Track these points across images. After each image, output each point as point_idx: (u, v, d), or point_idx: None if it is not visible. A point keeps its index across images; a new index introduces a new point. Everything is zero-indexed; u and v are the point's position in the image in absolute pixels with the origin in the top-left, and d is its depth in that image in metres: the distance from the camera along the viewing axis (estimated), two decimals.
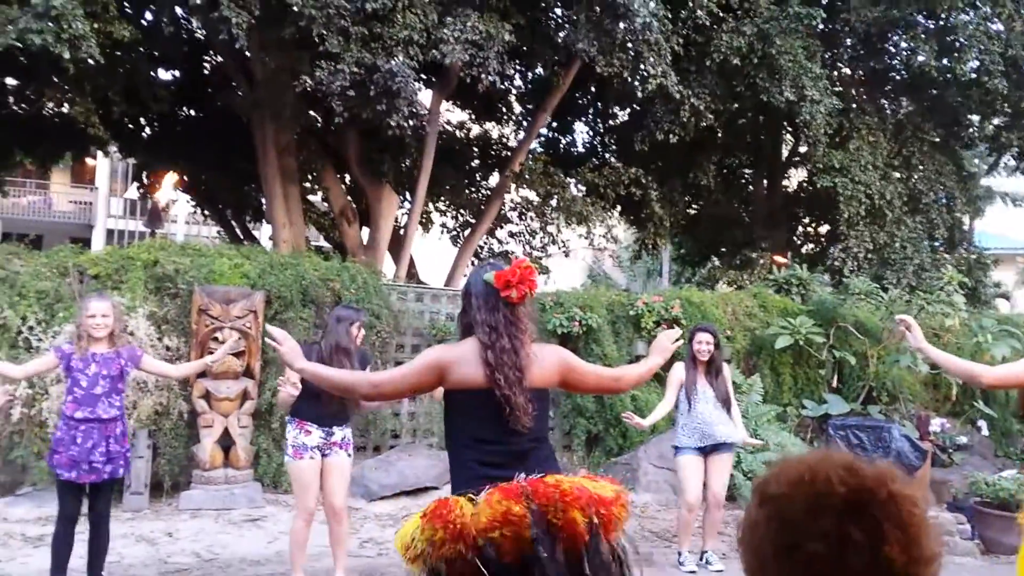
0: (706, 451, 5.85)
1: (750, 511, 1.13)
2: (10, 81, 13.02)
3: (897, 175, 14.44)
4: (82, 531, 4.67)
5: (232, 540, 6.33)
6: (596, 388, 3.20)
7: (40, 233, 25.89)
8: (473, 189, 16.52)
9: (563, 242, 15.97)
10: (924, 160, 14.72)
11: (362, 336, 5.17)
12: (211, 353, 7.16)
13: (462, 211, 16.65)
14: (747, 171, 17.65)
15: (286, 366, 3.04)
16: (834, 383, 9.95)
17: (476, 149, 16.35)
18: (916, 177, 14.68)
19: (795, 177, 17.66)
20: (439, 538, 2.46)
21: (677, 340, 3.36)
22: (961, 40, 12.73)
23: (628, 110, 15.05)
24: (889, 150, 14.25)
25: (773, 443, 8.52)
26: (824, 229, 17.02)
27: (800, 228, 17.57)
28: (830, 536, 1.01)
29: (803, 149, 15.85)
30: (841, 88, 13.86)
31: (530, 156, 14.03)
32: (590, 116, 16.26)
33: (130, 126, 14.00)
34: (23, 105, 13.45)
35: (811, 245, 17.49)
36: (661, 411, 5.99)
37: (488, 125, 16.50)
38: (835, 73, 14.62)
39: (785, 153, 16.75)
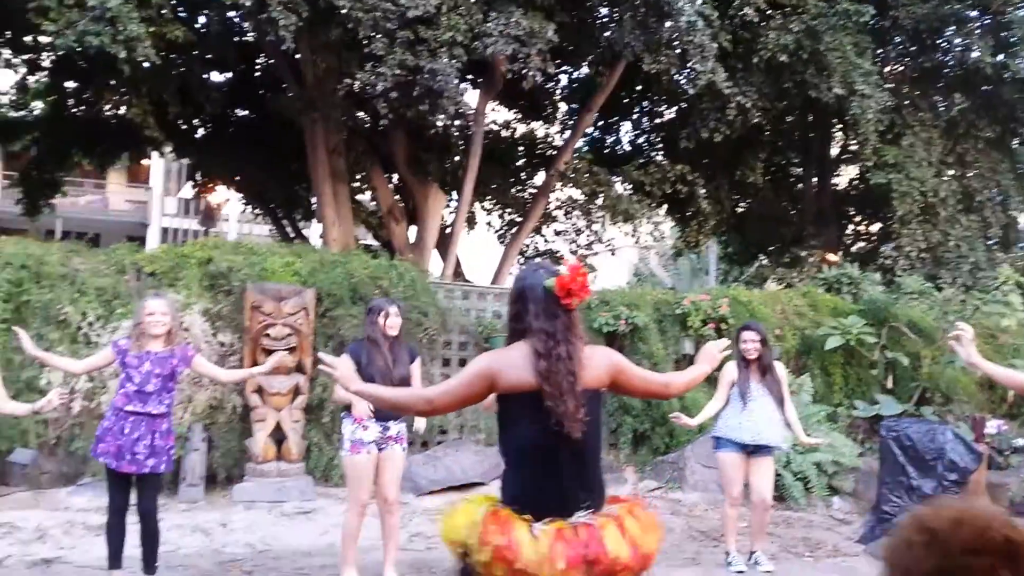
0: (748, 450, 5.79)
1: (906, 535, 1.27)
2: (69, 84, 13.41)
3: (951, 172, 14.16)
4: (135, 521, 4.80)
5: (284, 532, 6.45)
6: (644, 392, 3.14)
7: (97, 232, 26.50)
8: (519, 188, 16.58)
9: (609, 240, 15.95)
10: (979, 157, 14.42)
11: (398, 325, 5.16)
12: (264, 350, 7.35)
13: (508, 210, 16.71)
14: (796, 168, 17.44)
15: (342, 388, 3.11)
16: (886, 384, 9.80)
17: (522, 148, 16.41)
18: (970, 175, 14.38)
19: (846, 175, 17.40)
20: (499, 573, 2.60)
21: (725, 349, 3.36)
22: (1017, 36, 12.44)
23: (675, 108, 14.98)
24: (943, 147, 13.98)
25: (824, 444, 8.42)
26: (875, 227, 16.75)
27: (851, 226, 17.31)
28: (983, 573, 1.14)
29: (854, 146, 15.61)
30: (892, 85, 13.62)
31: (576, 155, 14.03)
32: (636, 114, 16.21)
33: (184, 127, 14.31)
34: (81, 108, 13.84)
35: (862, 243, 17.22)
36: (710, 411, 5.95)
37: (534, 124, 16.54)
38: (886, 70, 14.38)
39: (835, 150, 16.51)
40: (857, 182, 16.72)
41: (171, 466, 5.03)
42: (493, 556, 2.57)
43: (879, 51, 13.80)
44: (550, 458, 2.73)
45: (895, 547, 1.28)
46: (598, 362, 2.87)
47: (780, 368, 6.06)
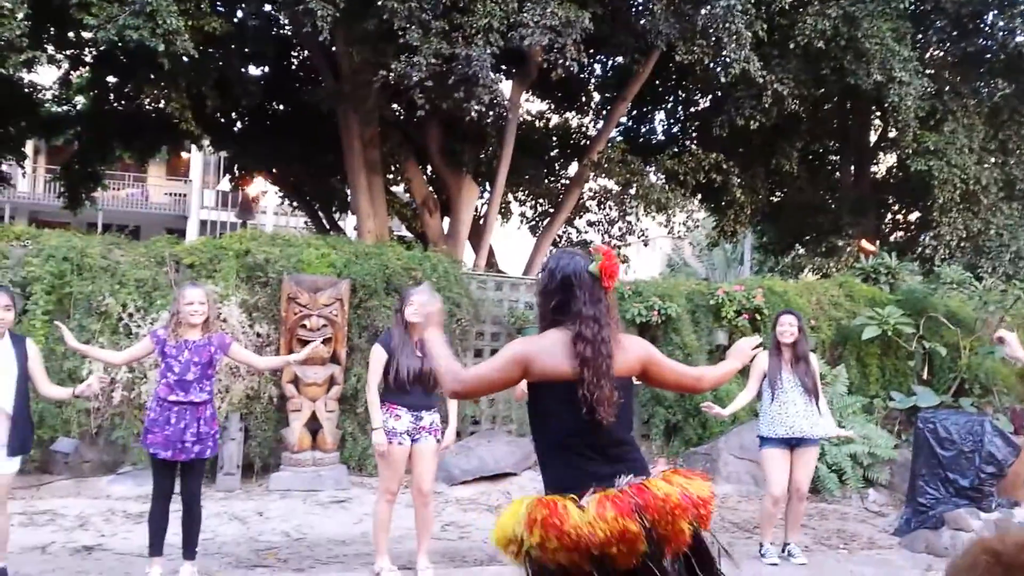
0: (791, 444, 5.75)
1: (971, 557, 1.31)
2: (111, 79, 13.65)
3: (992, 160, 13.87)
4: (177, 509, 4.90)
5: (319, 520, 6.55)
6: (676, 385, 3.12)
7: (137, 224, 27.00)
8: (552, 178, 16.57)
9: (642, 231, 15.88)
10: (1022, 144, 14.11)
11: (426, 302, 5.09)
12: (299, 341, 7.45)
13: (541, 200, 16.72)
14: (833, 157, 17.20)
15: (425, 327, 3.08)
16: (924, 375, 9.67)
17: (555, 138, 16.39)
18: (1012, 162, 14.08)
19: (884, 163, 17.13)
20: (553, 547, 2.50)
21: (757, 346, 3.33)
22: None
23: (709, 97, 14.85)
24: (985, 133, 13.70)
25: (860, 435, 8.35)
26: (914, 216, 16.48)
27: (889, 215, 17.05)
28: None
29: (892, 134, 15.35)
30: (933, 71, 13.38)
31: (609, 145, 13.99)
32: (670, 103, 16.10)
33: (222, 120, 14.50)
34: (122, 102, 14.08)
35: (900, 233, 16.96)
36: (741, 401, 5.92)
37: (567, 114, 16.51)
38: (925, 55, 14.12)
39: (873, 138, 16.26)
40: (896, 170, 16.45)
41: (216, 450, 5.13)
42: (542, 528, 2.51)
43: (919, 36, 13.56)
44: (586, 447, 2.70)
45: (959, 568, 1.32)
46: (632, 350, 2.86)
47: (814, 360, 6.01)
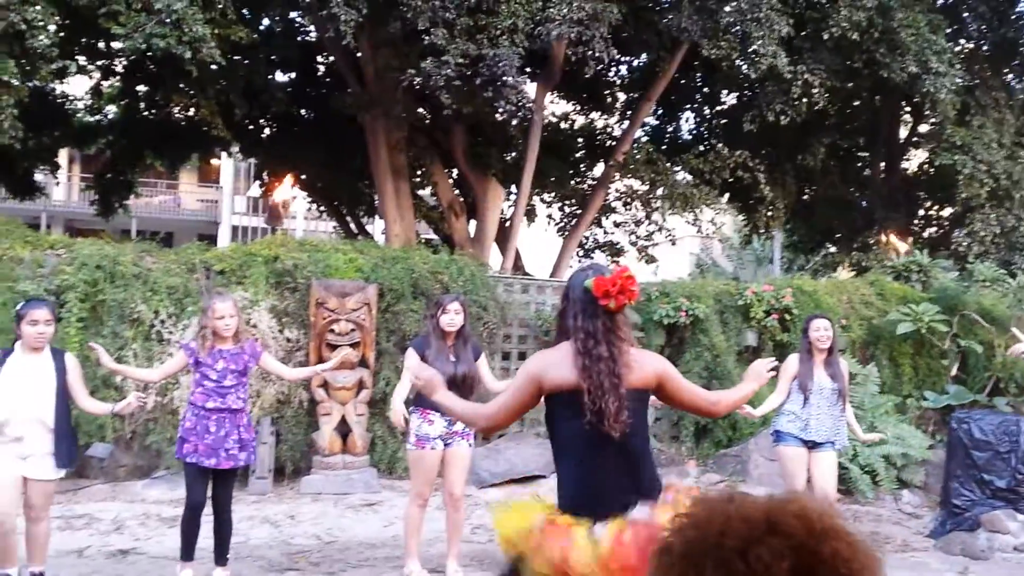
0: (809, 444, 5.69)
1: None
2: (141, 88, 13.86)
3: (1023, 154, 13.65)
4: (208, 515, 4.96)
5: (350, 524, 6.60)
6: (691, 405, 3.09)
7: (170, 231, 27.35)
8: (578, 180, 16.55)
9: (669, 231, 15.80)
10: None
11: (458, 322, 5.12)
12: (328, 345, 7.51)
13: (567, 202, 16.70)
14: (863, 153, 17.01)
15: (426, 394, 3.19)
16: (958, 373, 9.54)
17: (581, 140, 16.37)
18: None
19: (915, 159, 16.91)
20: (545, 572, 2.58)
21: (772, 369, 3.33)
22: None
23: (736, 94, 14.75)
24: (1017, 127, 13.48)
25: (892, 435, 8.25)
26: (947, 212, 16.26)
27: (921, 211, 16.82)
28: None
29: (923, 128, 15.16)
30: (963, 65, 13.20)
31: (635, 145, 13.94)
32: (697, 102, 16.01)
33: (250, 127, 14.65)
34: (153, 111, 14.28)
35: (933, 229, 16.73)
36: (773, 402, 5.86)
37: (592, 115, 16.48)
38: (957, 48, 13.93)
39: (904, 133, 16.07)
40: (927, 165, 16.25)
41: (255, 457, 5.19)
42: (548, 566, 2.58)
43: (952, 29, 13.38)
44: (595, 456, 2.75)
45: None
46: (647, 365, 2.89)
47: (844, 363, 5.94)
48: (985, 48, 14.39)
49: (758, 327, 9.34)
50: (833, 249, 17.87)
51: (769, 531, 0.99)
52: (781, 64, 10.29)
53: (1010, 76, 14.50)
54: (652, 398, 2.99)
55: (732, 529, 1.00)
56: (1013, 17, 13.74)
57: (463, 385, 4.94)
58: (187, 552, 4.91)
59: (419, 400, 5.04)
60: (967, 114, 12.99)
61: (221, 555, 5.00)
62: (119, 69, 13.47)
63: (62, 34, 9.85)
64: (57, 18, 9.13)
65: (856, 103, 14.79)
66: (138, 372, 5.77)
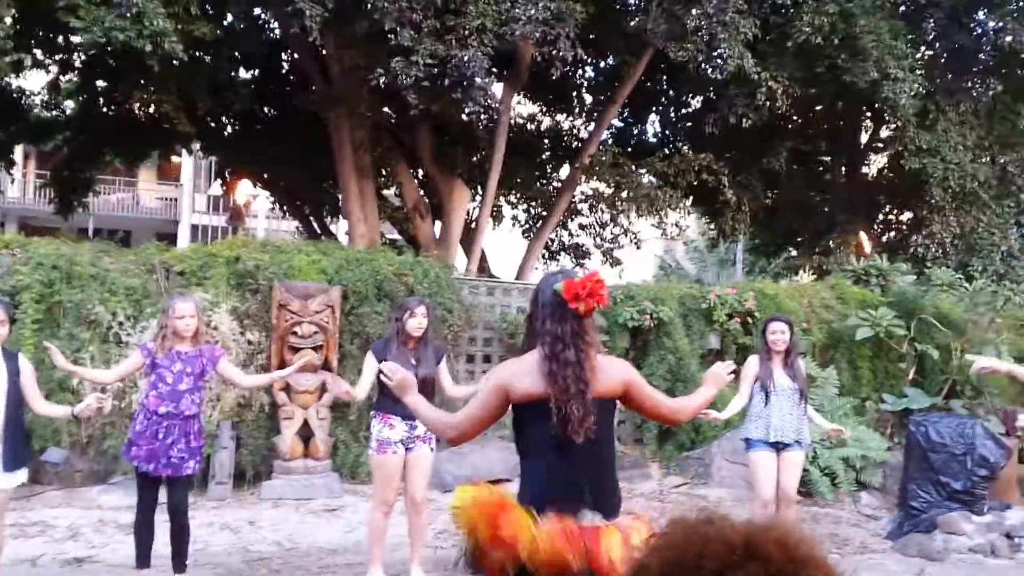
0: (778, 447, 5.75)
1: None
2: (100, 83, 13.60)
3: (985, 157, 13.92)
4: (164, 520, 4.86)
5: (311, 529, 6.53)
6: (653, 413, 3.08)
7: (128, 229, 26.90)
8: (544, 181, 16.56)
9: (634, 234, 15.89)
10: (1017, 141, 14.16)
11: (424, 326, 5.09)
12: (291, 348, 7.43)
13: (533, 204, 16.71)
14: (824, 158, 17.25)
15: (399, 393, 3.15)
16: (911, 376, 9.69)
17: (547, 141, 16.39)
18: (1004, 160, 14.13)
19: (875, 163, 17.19)
20: (487, 541, 2.63)
21: (731, 372, 3.34)
22: None
23: (701, 98, 14.87)
24: (978, 131, 13.76)
25: (851, 438, 8.35)
26: (906, 216, 16.54)
27: (880, 216, 17.10)
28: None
29: (884, 134, 15.41)
30: (923, 70, 13.44)
31: (601, 147, 13.99)
32: (662, 105, 16.11)
33: (212, 125, 14.45)
34: (112, 106, 14.02)
35: (892, 233, 17.01)
36: (736, 405, 5.90)
37: (559, 117, 16.51)
38: (917, 55, 14.17)
39: (864, 139, 16.32)
40: (887, 170, 16.51)
41: (201, 465, 5.09)
42: (491, 527, 2.63)
43: (911, 35, 13.61)
44: (559, 461, 2.75)
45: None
46: (613, 372, 2.88)
47: (802, 364, 6.01)
48: (944, 55, 14.65)
49: (721, 330, 9.42)
50: (795, 252, 18.10)
51: (747, 556, 0.97)
52: (748, 66, 10.38)
53: (971, 81, 14.77)
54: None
55: (710, 552, 0.99)
56: (971, 26, 14.01)
57: (423, 388, 4.90)
58: (142, 558, 4.81)
59: (380, 404, 5.01)
60: (926, 118, 13.21)
61: (179, 562, 4.91)
62: (77, 64, 13.21)
63: (18, 27, 9.63)
64: (13, 11, 8.93)
65: (818, 108, 14.99)
66: (93, 373, 5.65)
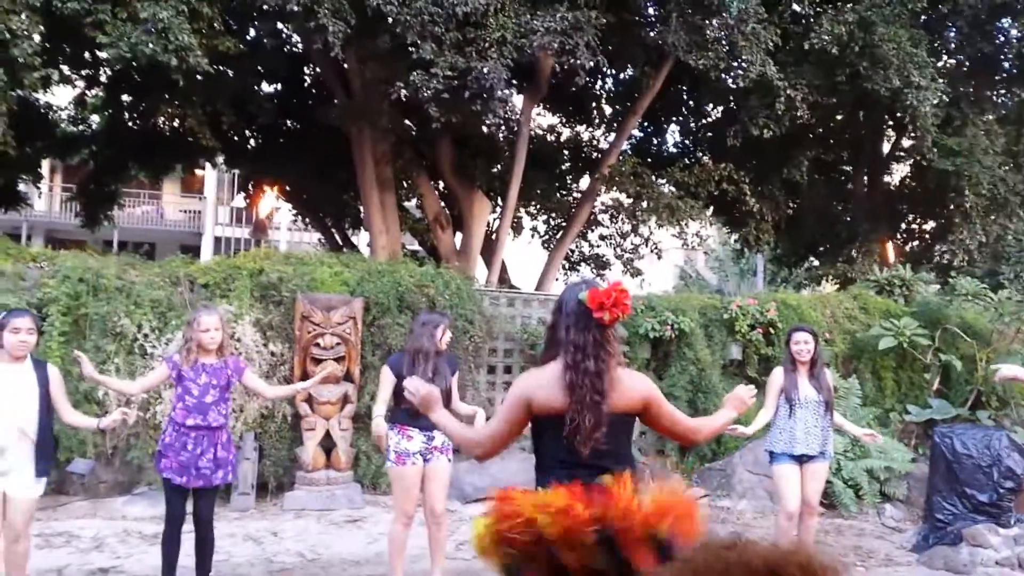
0: (802, 460, 5.71)
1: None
2: (125, 98, 13.79)
3: (1012, 164, 13.81)
4: (191, 530, 4.91)
5: (334, 540, 6.56)
6: (671, 432, 3.03)
7: (153, 242, 27.19)
8: (564, 192, 16.59)
9: (655, 244, 15.86)
10: None
11: (447, 339, 5.23)
12: (313, 360, 7.48)
13: (553, 215, 16.73)
14: (845, 168, 17.15)
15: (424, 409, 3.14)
16: (937, 386, 9.60)
17: (567, 152, 16.41)
18: None
19: (897, 173, 17.07)
20: (506, 528, 2.56)
21: (752, 395, 3.32)
22: None
23: (721, 108, 14.84)
24: (1007, 138, 13.64)
25: (875, 449, 8.29)
26: (929, 225, 16.39)
27: (903, 225, 16.96)
28: None
29: (906, 143, 15.31)
30: (946, 79, 13.36)
31: (621, 158, 14.00)
32: (682, 115, 16.09)
33: (235, 138, 14.60)
34: (137, 121, 14.22)
35: (915, 243, 16.87)
36: (763, 419, 5.84)
37: (578, 128, 16.53)
38: (939, 64, 14.09)
39: (886, 148, 16.21)
40: (910, 179, 16.39)
41: (234, 476, 5.14)
42: (498, 514, 2.58)
43: (934, 44, 13.53)
44: (567, 477, 2.71)
45: None
46: (634, 388, 2.86)
47: (829, 374, 5.97)
48: (967, 64, 14.55)
49: (743, 341, 9.38)
50: (816, 262, 17.98)
51: None
52: (771, 72, 10.35)
53: (996, 90, 14.67)
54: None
55: None
56: (994, 33, 13.91)
57: (441, 399, 4.94)
58: (169, 571, 4.85)
59: (397, 416, 5.04)
60: (950, 126, 13.11)
61: (203, 573, 4.95)
62: (103, 79, 13.41)
63: (46, 44, 9.79)
64: (42, 27, 9.09)
65: (838, 117, 14.91)
66: (119, 384, 5.73)
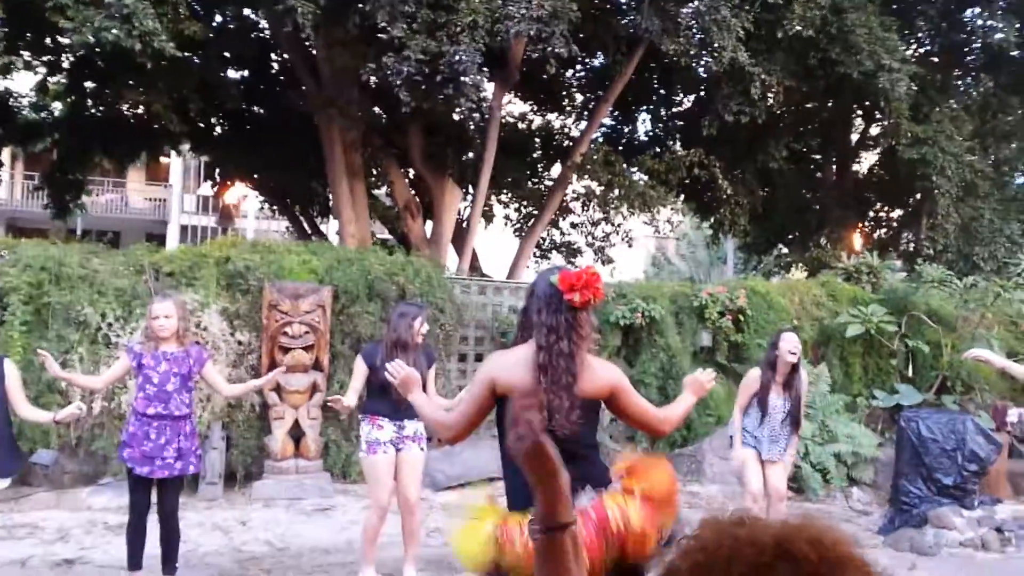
0: (762, 459, 5.76)
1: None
2: (89, 85, 13.53)
3: (978, 151, 14.03)
4: (156, 522, 4.84)
5: (303, 529, 6.51)
6: (639, 421, 3.02)
7: (117, 230, 26.77)
8: (535, 180, 16.55)
9: (626, 232, 15.89)
10: (1011, 132, 14.29)
11: (424, 330, 5.22)
12: (281, 349, 7.40)
13: (524, 203, 16.69)
14: (815, 156, 17.29)
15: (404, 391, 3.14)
16: (906, 373, 9.72)
17: (538, 140, 16.37)
18: (1002, 154, 14.26)
19: (866, 161, 17.25)
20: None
21: (711, 379, 3.35)
22: None
23: (693, 96, 14.88)
24: (974, 126, 13.84)
25: (842, 434, 8.38)
26: (896, 213, 16.59)
27: (871, 213, 17.15)
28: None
29: (875, 131, 15.47)
30: (915, 68, 13.50)
31: (592, 146, 13.99)
32: (653, 103, 16.11)
33: (202, 125, 14.40)
34: (100, 107, 13.96)
35: (883, 230, 17.06)
36: (737, 420, 5.85)
37: (550, 116, 16.50)
38: (908, 53, 14.24)
39: (855, 137, 16.37)
40: (878, 168, 16.57)
41: (199, 467, 5.07)
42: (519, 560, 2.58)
43: (903, 32, 13.65)
44: None
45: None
46: (602, 374, 2.87)
47: (804, 377, 5.91)
48: (936, 53, 14.72)
49: (713, 328, 9.43)
50: (786, 250, 18.13)
51: (779, 556, 0.95)
52: (742, 58, 10.38)
53: (965, 79, 14.86)
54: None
55: (741, 554, 0.97)
56: (954, 24, 14.08)
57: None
58: (134, 561, 4.79)
59: (367, 407, 5.02)
60: (919, 112, 13.24)
61: (169, 564, 4.88)
62: (66, 65, 13.15)
63: (6, 29, 9.57)
64: (1, 12, 8.88)
65: (809, 106, 15.01)
66: (84, 380, 5.63)
